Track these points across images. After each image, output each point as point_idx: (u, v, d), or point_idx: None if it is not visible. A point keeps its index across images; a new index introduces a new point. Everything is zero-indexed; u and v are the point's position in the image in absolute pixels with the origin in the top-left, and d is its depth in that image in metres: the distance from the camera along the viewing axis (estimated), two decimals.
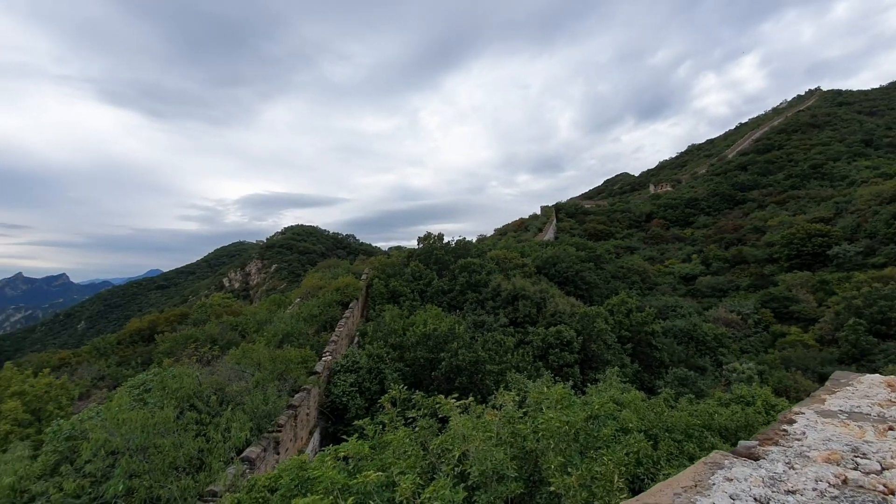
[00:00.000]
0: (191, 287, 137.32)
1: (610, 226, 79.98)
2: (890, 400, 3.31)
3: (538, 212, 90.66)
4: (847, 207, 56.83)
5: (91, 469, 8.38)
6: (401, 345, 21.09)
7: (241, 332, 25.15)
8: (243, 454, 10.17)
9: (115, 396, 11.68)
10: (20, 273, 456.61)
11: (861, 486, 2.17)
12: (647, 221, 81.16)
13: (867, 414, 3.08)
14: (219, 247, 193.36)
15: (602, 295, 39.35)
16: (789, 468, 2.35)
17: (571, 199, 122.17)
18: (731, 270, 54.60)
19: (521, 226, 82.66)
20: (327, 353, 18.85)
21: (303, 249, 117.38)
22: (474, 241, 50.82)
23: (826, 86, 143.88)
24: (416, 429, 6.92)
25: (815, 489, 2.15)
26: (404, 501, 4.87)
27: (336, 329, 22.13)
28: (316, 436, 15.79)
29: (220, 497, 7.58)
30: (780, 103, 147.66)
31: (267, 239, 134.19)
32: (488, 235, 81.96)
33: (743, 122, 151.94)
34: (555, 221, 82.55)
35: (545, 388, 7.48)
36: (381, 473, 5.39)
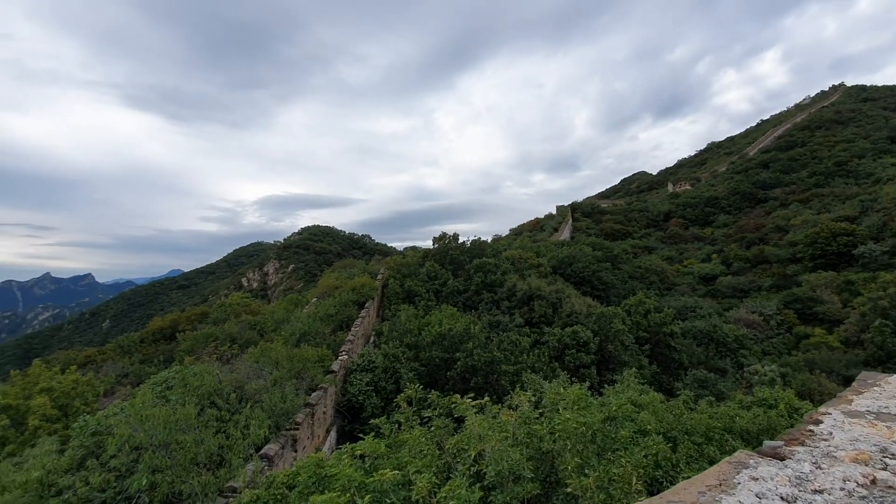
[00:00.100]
0: (211, 287, 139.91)
1: (627, 225, 78.96)
2: None
3: (554, 211, 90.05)
4: (873, 206, 55.20)
5: (116, 464, 8.60)
6: (416, 344, 21.16)
7: (259, 331, 25.56)
8: (262, 451, 10.33)
9: (139, 393, 11.97)
10: (48, 273, 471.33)
11: (890, 487, 2.13)
12: (666, 221, 79.87)
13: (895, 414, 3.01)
14: (238, 247, 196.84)
15: (619, 295, 38.89)
16: (816, 468, 2.32)
17: (588, 198, 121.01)
18: (752, 270, 53.42)
19: (537, 225, 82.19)
20: (343, 353, 19.02)
21: (319, 250, 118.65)
22: (489, 241, 50.71)
23: (850, 81, 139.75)
24: (432, 428, 6.94)
25: (842, 489, 2.12)
26: (420, 500, 4.89)
27: (352, 329, 22.31)
28: (333, 434, 15.94)
29: (240, 493, 7.72)
30: (803, 99, 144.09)
31: (284, 239, 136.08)
32: (503, 235, 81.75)
33: (765, 118, 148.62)
34: (571, 221, 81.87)
35: (561, 389, 7.44)
36: (397, 472, 5.42)
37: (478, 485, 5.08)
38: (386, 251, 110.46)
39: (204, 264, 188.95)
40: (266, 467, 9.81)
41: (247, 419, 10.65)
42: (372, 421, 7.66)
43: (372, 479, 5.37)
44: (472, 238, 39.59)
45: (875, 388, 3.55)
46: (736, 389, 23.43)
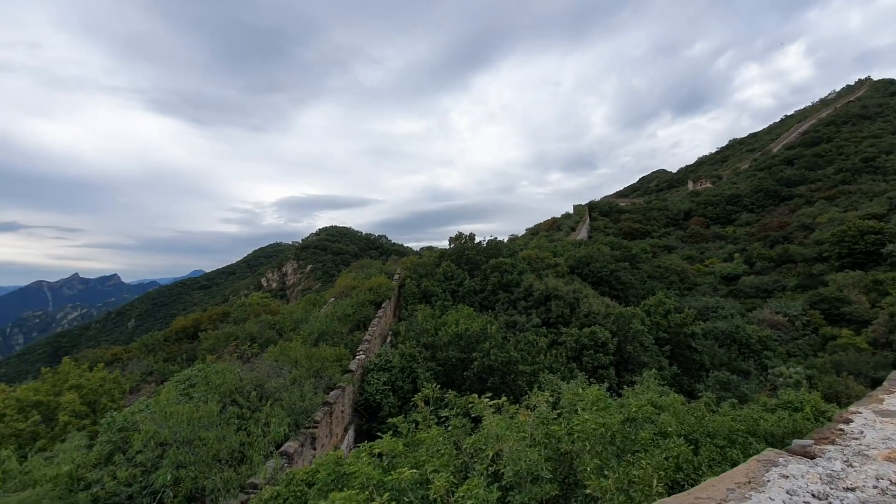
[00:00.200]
0: (231, 287, 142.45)
1: (646, 224, 77.77)
2: None
3: (571, 211, 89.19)
4: None
5: (141, 459, 8.83)
6: (433, 344, 21.20)
7: (278, 331, 25.93)
8: (282, 448, 10.49)
9: (163, 391, 12.26)
10: (76, 273, 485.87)
11: None
12: (686, 219, 78.40)
13: None
14: (257, 248, 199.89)
15: (638, 295, 38.33)
16: (848, 466, 2.29)
17: (605, 197, 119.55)
18: (776, 270, 52.08)
19: (554, 225, 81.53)
20: (361, 352, 19.17)
21: (336, 250, 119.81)
22: (505, 241, 50.52)
23: (877, 75, 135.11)
24: (449, 428, 6.96)
25: (875, 486, 2.09)
26: (438, 499, 4.91)
27: (369, 328, 22.48)
28: (350, 432, 16.08)
29: (261, 489, 7.84)
30: (829, 94, 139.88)
31: (302, 240, 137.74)
32: (520, 235, 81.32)
33: (788, 114, 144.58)
34: (588, 220, 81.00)
35: (580, 390, 7.37)
36: (414, 471, 5.45)
37: (495, 485, 5.07)
38: (402, 251, 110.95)
39: (225, 265, 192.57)
40: (286, 464, 9.95)
41: (267, 417, 10.82)
42: (389, 420, 7.71)
43: (390, 477, 5.41)
44: (488, 238, 39.54)
45: None
46: (760, 392, 22.89)
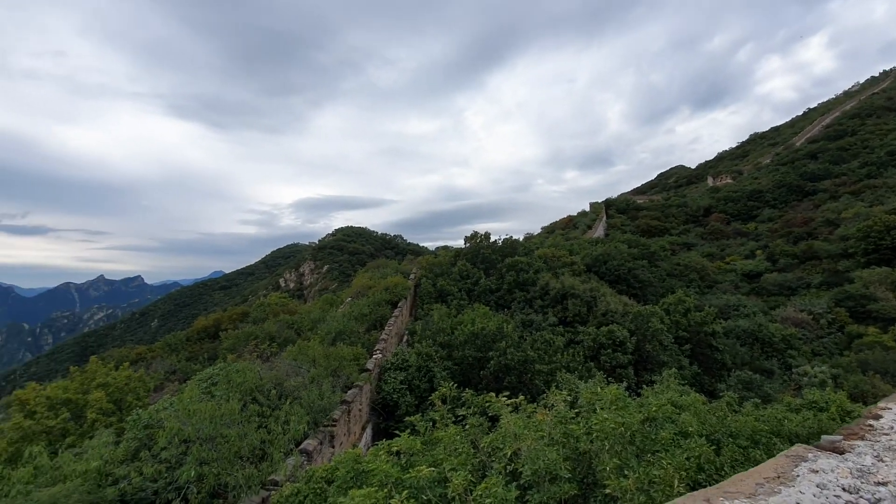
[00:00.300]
0: (250, 287, 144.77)
1: (664, 221, 76.54)
2: None
3: (587, 208, 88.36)
4: None
5: (166, 455, 9.05)
6: (449, 343, 21.23)
7: (296, 330, 26.28)
8: (301, 446, 10.63)
9: (186, 389, 12.53)
10: (102, 275, 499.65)
11: None
12: (706, 216, 76.92)
13: None
14: (275, 249, 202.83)
15: (657, 294, 37.79)
16: (878, 461, 2.26)
17: (622, 194, 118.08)
18: (800, 267, 50.76)
19: (570, 223, 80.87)
20: (377, 351, 19.31)
21: (353, 250, 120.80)
22: (521, 239, 50.27)
23: None
24: (467, 427, 6.97)
25: None
26: (456, 498, 4.93)
27: (386, 328, 22.62)
28: (368, 431, 16.22)
29: (281, 486, 7.97)
30: (853, 86, 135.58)
31: (319, 241, 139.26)
32: (535, 234, 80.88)
33: (811, 107, 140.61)
34: (605, 218, 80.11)
35: (598, 389, 7.31)
36: (433, 469, 5.48)
37: (514, 484, 5.07)
38: (418, 251, 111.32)
39: (244, 266, 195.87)
40: (305, 462, 10.10)
41: (286, 415, 10.98)
42: (407, 419, 7.76)
43: (408, 475, 5.45)
44: (503, 237, 39.43)
45: None
46: (784, 391, 22.39)
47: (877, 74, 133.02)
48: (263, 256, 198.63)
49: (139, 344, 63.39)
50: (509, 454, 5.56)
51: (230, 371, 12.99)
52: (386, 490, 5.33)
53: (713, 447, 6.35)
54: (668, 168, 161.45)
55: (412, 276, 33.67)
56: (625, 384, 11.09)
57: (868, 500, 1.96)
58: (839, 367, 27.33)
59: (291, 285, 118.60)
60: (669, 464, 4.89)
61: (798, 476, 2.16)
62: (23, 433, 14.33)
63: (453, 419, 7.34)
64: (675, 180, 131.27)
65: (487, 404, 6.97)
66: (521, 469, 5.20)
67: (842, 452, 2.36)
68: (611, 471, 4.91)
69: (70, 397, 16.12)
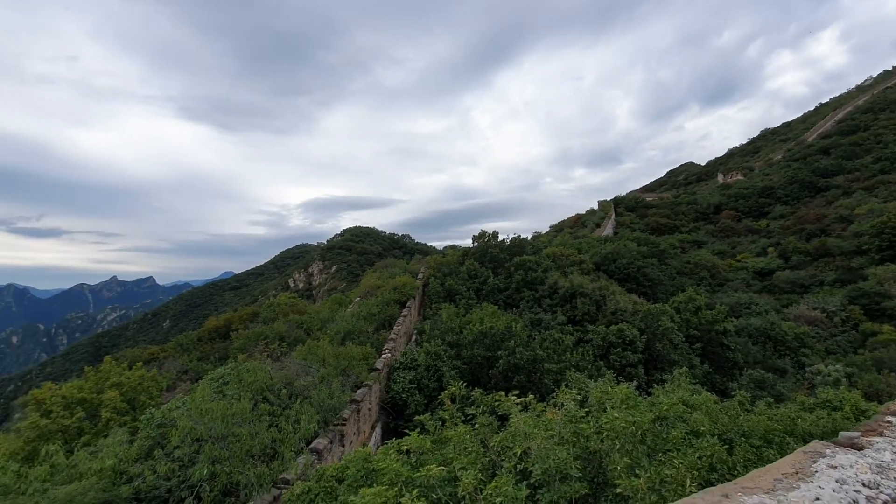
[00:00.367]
0: (260, 287, 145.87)
1: (674, 219, 75.88)
2: None
3: (595, 207, 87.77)
4: None
5: (179, 454, 9.16)
6: (458, 343, 21.24)
7: (306, 330, 26.44)
8: (311, 445, 10.71)
9: (198, 388, 12.67)
10: (115, 276, 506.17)
11: None
12: (716, 213, 76.11)
13: None
14: (284, 249, 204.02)
15: (667, 292, 37.47)
16: None
17: (631, 192, 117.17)
18: (813, 264, 50.06)
19: (578, 222, 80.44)
20: (386, 351, 19.37)
21: (361, 250, 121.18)
22: (529, 238, 50.10)
23: None
24: (476, 426, 6.97)
25: None
26: (467, 496, 4.93)
27: (394, 327, 22.68)
28: (378, 430, 16.28)
29: (292, 485, 8.03)
30: (865, 80, 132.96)
31: (328, 241, 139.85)
32: (543, 232, 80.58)
33: (823, 102, 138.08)
34: (613, 216, 79.58)
35: (608, 388, 7.28)
36: (443, 468, 5.48)
37: (524, 483, 5.06)
38: (426, 250, 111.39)
39: (253, 266, 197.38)
40: (316, 461, 10.16)
41: (297, 414, 11.06)
42: (416, 418, 7.77)
43: (418, 474, 5.46)
44: (511, 236, 39.33)
45: None
46: (797, 390, 22.10)
47: (890, 68, 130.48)
48: (273, 257, 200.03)
49: (152, 344, 64.14)
50: (519, 453, 5.55)
51: (241, 371, 13.11)
52: (396, 489, 5.35)
53: (725, 447, 6.29)
54: (677, 165, 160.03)
55: (420, 275, 33.72)
56: (635, 383, 11.02)
57: (889, 494, 1.94)
58: (853, 365, 26.95)
59: (300, 285, 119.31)
60: (681, 463, 4.86)
61: (817, 472, 2.15)
62: (39, 432, 14.58)
63: (462, 418, 7.34)
64: (685, 177, 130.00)
65: (497, 403, 6.96)
66: (531, 468, 5.19)
67: (860, 448, 2.34)
68: (622, 470, 4.89)
69: (85, 397, 16.37)
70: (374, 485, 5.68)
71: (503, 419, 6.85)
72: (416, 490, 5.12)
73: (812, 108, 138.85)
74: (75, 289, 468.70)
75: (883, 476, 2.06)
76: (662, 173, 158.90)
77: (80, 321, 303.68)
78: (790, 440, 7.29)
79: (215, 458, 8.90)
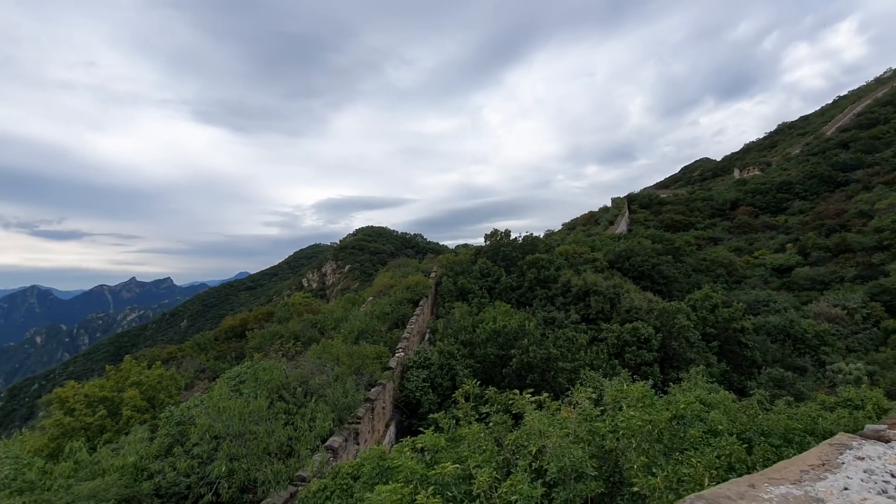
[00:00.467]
0: (274, 287, 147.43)
1: (689, 216, 74.77)
2: None
3: (609, 204, 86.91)
4: None
5: (198, 451, 9.32)
6: (471, 341, 21.23)
7: (320, 330, 26.65)
8: (327, 443, 10.81)
9: (216, 387, 12.88)
10: (133, 277, 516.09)
11: None
12: (733, 209, 74.80)
13: None
14: (297, 249, 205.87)
15: (682, 290, 36.99)
16: None
17: (645, 188, 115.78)
18: (833, 260, 48.96)
19: (591, 219, 79.75)
20: (400, 350, 19.45)
21: (373, 250, 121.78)
22: (541, 236, 49.81)
23: None
24: (490, 424, 6.96)
25: None
26: (482, 494, 4.94)
27: (407, 326, 22.76)
28: (392, 429, 16.36)
29: (309, 482, 8.12)
30: (884, 72, 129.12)
31: (340, 241, 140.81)
32: (556, 230, 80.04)
33: (842, 94, 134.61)
34: (627, 213, 78.74)
35: (624, 387, 7.22)
36: (457, 466, 5.50)
37: (539, 481, 5.05)
38: (438, 249, 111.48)
39: (268, 266, 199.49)
40: (331, 458, 10.26)
41: (312, 412, 11.18)
42: (430, 416, 7.80)
43: (433, 471, 5.47)
44: (524, 234, 39.14)
45: None
46: (817, 389, 21.68)
47: None
48: (286, 257, 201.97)
49: (170, 343, 65.24)
50: (534, 451, 5.54)
51: (257, 369, 13.28)
52: (412, 486, 5.37)
53: (744, 446, 6.20)
54: (692, 161, 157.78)
55: (433, 274, 33.77)
56: (650, 382, 10.91)
57: None
58: (875, 363, 26.39)
59: (314, 285, 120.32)
60: (699, 462, 4.81)
61: (843, 463, 2.13)
62: (63, 429, 14.95)
63: (476, 417, 7.34)
64: (700, 173, 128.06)
65: (511, 402, 6.95)
66: (546, 466, 5.17)
67: (887, 441, 2.30)
68: (638, 469, 4.85)
69: (106, 395, 16.73)
70: (390, 482, 5.71)
71: (517, 418, 6.84)
72: (432, 488, 5.14)
73: (830, 102, 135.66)
74: (96, 290, 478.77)
75: None
76: (677, 169, 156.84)
77: (100, 321, 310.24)
78: (811, 439, 7.16)
79: (233, 455, 9.04)
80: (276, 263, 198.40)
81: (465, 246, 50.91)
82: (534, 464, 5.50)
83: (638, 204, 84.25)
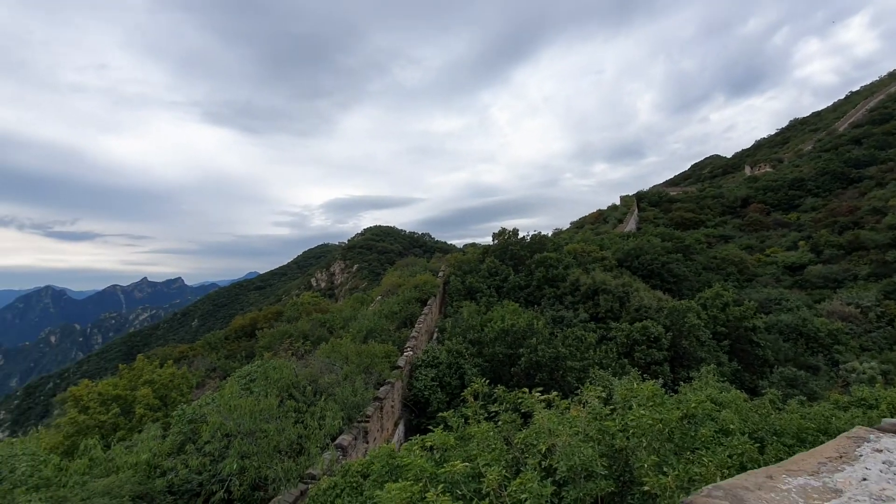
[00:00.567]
0: (283, 287, 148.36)
1: (699, 213, 74.03)
2: None
3: (617, 202, 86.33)
4: None
5: (210, 449, 9.42)
6: (479, 340, 21.22)
7: (329, 329, 26.80)
8: (336, 441, 10.88)
9: (227, 385, 13.02)
10: (145, 278, 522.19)
11: None
12: (744, 207, 73.94)
13: None
14: (306, 249, 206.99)
15: (693, 288, 36.68)
16: None
17: (654, 186, 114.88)
18: (846, 258, 48.25)
19: (599, 218, 79.30)
20: (408, 349, 19.49)
21: (381, 249, 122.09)
22: (549, 235, 49.62)
23: None
24: (499, 423, 6.96)
25: None
26: (491, 492, 4.94)
27: (416, 325, 22.80)
28: (401, 427, 16.42)
29: (318, 480, 8.18)
30: None
31: (348, 240, 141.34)
32: (564, 229, 79.67)
33: (854, 90, 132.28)
34: (636, 211, 78.16)
35: (634, 385, 7.18)
36: (467, 464, 5.50)
37: (549, 480, 5.04)
38: (446, 249, 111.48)
39: (277, 266, 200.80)
40: (341, 456, 10.33)
41: (322, 411, 11.24)
42: (439, 415, 7.81)
43: (443, 470, 5.49)
44: (532, 233, 39.03)
45: None
46: (830, 388, 21.38)
47: None
48: (295, 257, 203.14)
49: (181, 343, 65.93)
50: (543, 450, 5.53)
51: (267, 368, 13.39)
52: (421, 484, 5.39)
53: (757, 445, 6.15)
54: (702, 158, 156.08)
55: (441, 273, 33.79)
56: (660, 381, 10.83)
57: None
58: (889, 362, 25.97)
59: (323, 285, 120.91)
60: (710, 462, 4.77)
61: (861, 455, 2.13)
62: (77, 427, 15.19)
63: (485, 416, 7.34)
64: (710, 170, 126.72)
65: (520, 400, 6.93)
66: (555, 465, 5.16)
67: None
68: (649, 468, 4.83)
69: (119, 393, 16.97)
70: (399, 480, 5.74)
71: (526, 417, 6.83)
72: (441, 486, 5.15)
73: (842, 97, 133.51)
74: (108, 290, 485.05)
75: None
76: (686, 167, 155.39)
77: (113, 321, 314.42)
78: (824, 439, 7.07)
79: (244, 453, 9.12)
80: (286, 263, 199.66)
81: (473, 245, 50.84)
82: (543, 462, 5.49)
83: (647, 202, 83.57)
